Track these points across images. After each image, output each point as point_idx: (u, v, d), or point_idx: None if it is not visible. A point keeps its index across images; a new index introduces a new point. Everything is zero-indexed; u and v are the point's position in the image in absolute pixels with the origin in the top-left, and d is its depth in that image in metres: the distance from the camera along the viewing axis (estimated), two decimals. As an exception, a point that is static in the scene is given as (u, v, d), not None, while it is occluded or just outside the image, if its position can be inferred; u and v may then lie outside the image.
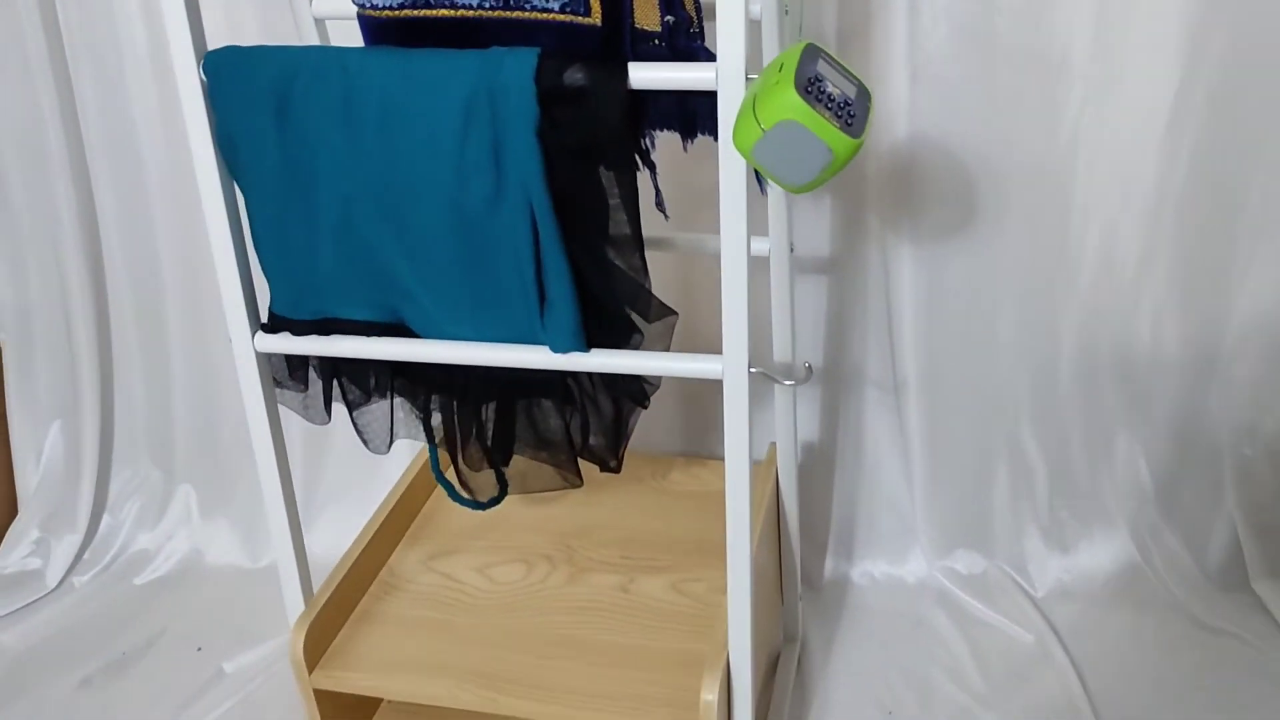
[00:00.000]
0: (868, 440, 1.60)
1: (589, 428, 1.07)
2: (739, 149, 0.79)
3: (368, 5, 0.93)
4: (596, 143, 0.88)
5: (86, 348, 1.72)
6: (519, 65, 0.86)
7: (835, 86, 0.77)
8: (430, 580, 1.29)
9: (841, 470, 1.62)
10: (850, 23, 1.34)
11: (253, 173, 0.97)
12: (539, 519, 1.37)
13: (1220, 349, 1.46)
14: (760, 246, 1.15)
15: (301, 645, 1.15)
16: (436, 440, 1.12)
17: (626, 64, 0.85)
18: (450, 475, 1.18)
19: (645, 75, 0.86)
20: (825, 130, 0.75)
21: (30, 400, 1.80)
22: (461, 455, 1.10)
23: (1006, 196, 1.41)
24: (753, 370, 0.95)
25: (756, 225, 0.92)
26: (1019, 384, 1.52)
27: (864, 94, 0.81)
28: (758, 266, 0.98)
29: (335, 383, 1.10)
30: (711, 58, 0.84)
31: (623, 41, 0.89)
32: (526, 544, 1.34)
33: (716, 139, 0.86)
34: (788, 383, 1.17)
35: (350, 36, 0.99)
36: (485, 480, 1.15)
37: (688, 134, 0.95)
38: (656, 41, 0.88)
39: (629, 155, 0.90)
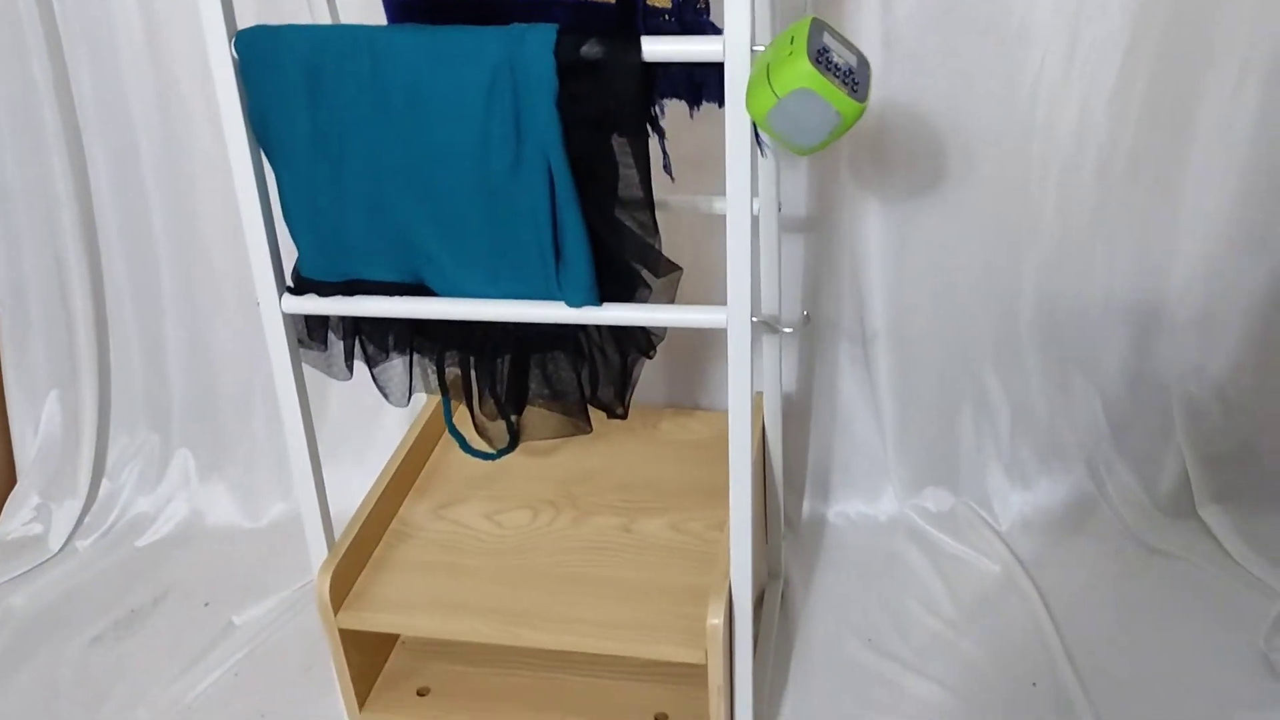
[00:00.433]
0: (841, 389, 1.69)
1: (598, 378, 1.14)
2: (753, 115, 0.87)
3: (393, -14, 0.99)
4: (611, 112, 0.95)
5: (83, 317, 1.75)
6: (540, 40, 0.93)
7: (840, 57, 0.86)
8: (441, 528, 1.36)
9: (817, 418, 1.71)
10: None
11: (285, 145, 1.02)
12: (540, 469, 1.45)
13: (1167, 295, 1.57)
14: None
15: (328, 588, 1.21)
16: (451, 394, 1.19)
17: (640, 38, 0.91)
18: (463, 429, 1.25)
19: (657, 48, 0.92)
20: (835, 96, 0.83)
21: (27, 370, 1.83)
22: (480, 407, 1.17)
23: (971, 157, 1.50)
24: (754, 320, 1.03)
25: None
26: (983, 332, 1.61)
27: (864, 63, 0.89)
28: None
29: (356, 341, 1.17)
30: (717, 31, 0.90)
31: (635, 17, 0.95)
32: (530, 492, 1.41)
33: (722, 106, 0.93)
34: (786, 330, 1.25)
35: (358, 16, 1.03)
36: (498, 430, 1.23)
37: (694, 102, 1.03)
38: (666, 16, 0.95)
39: (641, 123, 0.97)
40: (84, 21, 1.55)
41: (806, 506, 1.73)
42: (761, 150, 1.13)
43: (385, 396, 1.19)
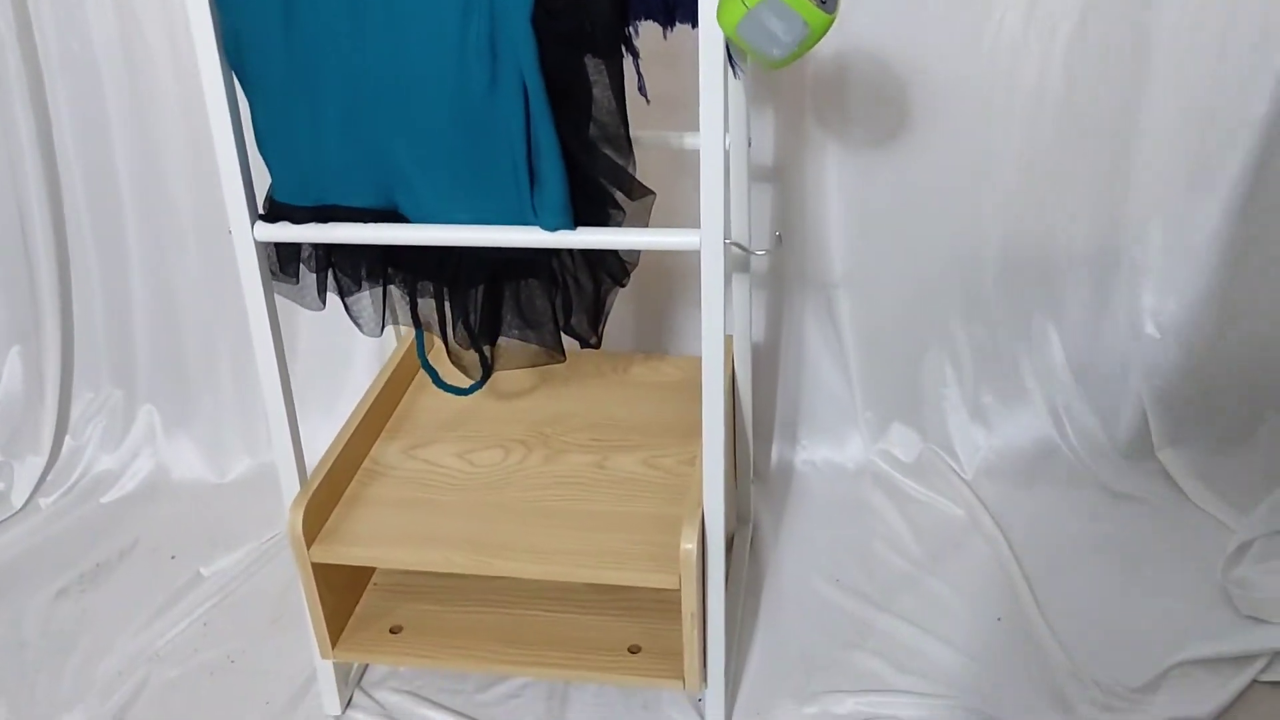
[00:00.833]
0: (808, 336, 1.71)
1: (572, 306, 1.15)
2: (723, 26, 0.88)
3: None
4: (586, 31, 0.96)
5: (46, 272, 1.74)
6: (516, -44, 0.94)
7: (810, -30, 0.87)
8: (413, 466, 1.36)
9: (785, 366, 1.73)
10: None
11: (259, 70, 1.02)
12: (511, 411, 1.45)
13: (1125, 241, 1.60)
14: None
15: (300, 522, 1.21)
16: (424, 324, 1.20)
17: (614, -44, 0.93)
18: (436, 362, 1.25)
19: (632, -35, 0.94)
20: (804, 7, 0.85)
21: (-12, 326, 1.81)
22: (453, 336, 1.17)
23: (934, 105, 1.52)
24: (727, 241, 1.05)
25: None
26: (947, 278, 1.64)
27: (834, -22, 0.91)
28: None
29: (330, 274, 1.17)
30: (690, -51, 0.92)
31: (610, -64, 0.96)
32: (501, 432, 1.41)
33: (695, 26, 0.95)
34: (759, 252, 1.26)
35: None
36: (471, 360, 1.23)
37: (668, 23, 1.04)
38: (640, -65, 0.96)
39: (616, 43, 0.98)
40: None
41: (775, 453, 1.75)
42: (734, 70, 1.15)
43: (359, 327, 1.19)
